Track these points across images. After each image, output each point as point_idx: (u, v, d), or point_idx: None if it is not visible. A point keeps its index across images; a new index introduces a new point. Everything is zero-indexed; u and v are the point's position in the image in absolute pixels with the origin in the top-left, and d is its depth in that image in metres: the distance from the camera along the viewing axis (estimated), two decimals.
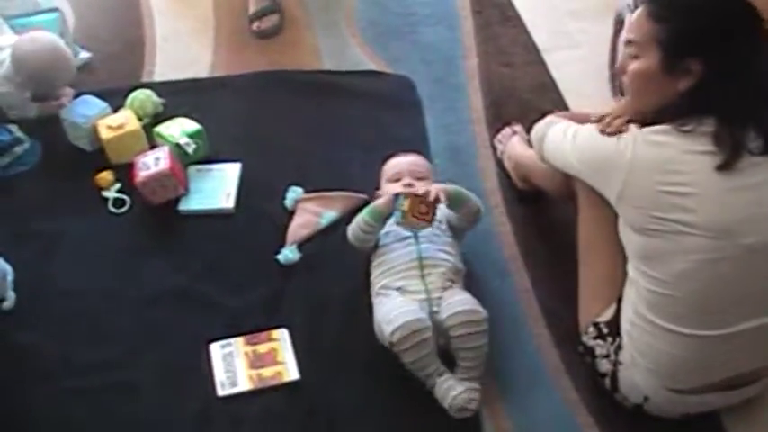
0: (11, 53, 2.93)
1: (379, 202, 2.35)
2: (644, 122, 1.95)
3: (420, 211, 2.26)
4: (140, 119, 2.91)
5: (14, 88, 2.94)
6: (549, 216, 2.63)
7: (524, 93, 3.09)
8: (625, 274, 2.05)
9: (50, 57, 2.95)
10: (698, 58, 1.86)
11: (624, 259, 2.04)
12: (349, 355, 2.28)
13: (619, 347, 2.06)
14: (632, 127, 1.97)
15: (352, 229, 2.38)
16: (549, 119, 2.31)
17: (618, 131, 1.96)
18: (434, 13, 3.50)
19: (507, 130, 2.84)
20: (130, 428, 2.17)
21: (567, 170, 2.17)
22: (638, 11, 1.96)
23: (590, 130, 2.06)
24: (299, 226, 2.59)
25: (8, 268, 2.47)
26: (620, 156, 1.90)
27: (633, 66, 1.97)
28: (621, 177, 1.90)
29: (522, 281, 2.47)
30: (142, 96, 2.99)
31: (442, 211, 2.37)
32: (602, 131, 2.00)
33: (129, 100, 2.99)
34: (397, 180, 2.44)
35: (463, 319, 2.11)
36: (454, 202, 2.34)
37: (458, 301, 2.16)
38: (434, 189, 2.29)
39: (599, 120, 2.05)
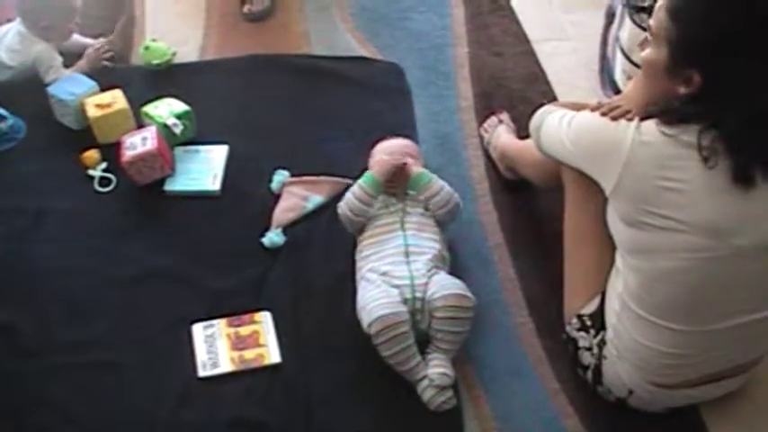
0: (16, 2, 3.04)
1: (375, 171, 2.39)
2: (643, 115, 1.89)
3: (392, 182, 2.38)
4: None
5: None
6: (535, 206, 2.63)
7: (513, 83, 3.08)
8: (611, 266, 2.05)
9: None
10: (698, 71, 1.78)
11: (610, 251, 2.03)
12: (332, 340, 2.28)
13: (603, 342, 2.06)
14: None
15: (347, 199, 2.39)
16: (546, 107, 2.26)
17: (620, 117, 1.90)
18: (426, 0, 3.48)
19: (494, 119, 2.84)
20: (110, 407, 2.17)
21: (562, 158, 2.11)
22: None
23: (588, 115, 2.01)
24: (285, 209, 2.58)
25: None
26: (619, 144, 1.85)
27: (646, 52, 1.93)
28: (618, 168, 1.84)
29: (507, 269, 2.47)
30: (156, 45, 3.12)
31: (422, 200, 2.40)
32: (604, 114, 1.94)
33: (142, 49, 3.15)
34: None
35: (452, 303, 2.12)
36: (416, 181, 2.39)
37: (449, 284, 2.18)
38: (410, 162, 2.40)
39: (596, 107, 2.00)
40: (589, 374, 2.12)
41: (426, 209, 2.38)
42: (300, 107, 2.98)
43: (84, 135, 2.84)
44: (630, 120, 1.88)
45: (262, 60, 3.18)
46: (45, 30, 3.01)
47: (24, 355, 2.28)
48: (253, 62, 3.17)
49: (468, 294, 2.17)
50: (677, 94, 1.84)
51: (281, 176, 2.67)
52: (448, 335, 2.13)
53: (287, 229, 2.54)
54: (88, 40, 3.17)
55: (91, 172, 2.73)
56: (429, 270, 2.22)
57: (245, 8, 3.42)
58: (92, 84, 2.90)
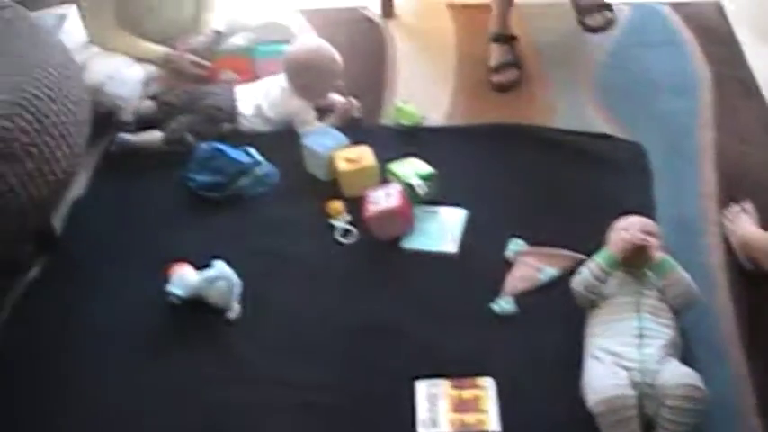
0: (283, 60, 3.26)
1: (614, 248, 2.38)
2: None
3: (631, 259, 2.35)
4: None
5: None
6: None
7: (759, 171, 2.99)
8: None
9: (316, 52, 3.26)
10: None
11: None
12: (553, 414, 2.25)
13: None
14: None
15: (582, 274, 2.39)
16: None
17: None
18: (674, 82, 3.44)
19: (736, 207, 2.77)
20: None
21: None
22: None
23: None
24: (518, 278, 2.61)
25: (237, 281, 2.62)
26: None
27: None
28: None
29: (739, 366, 2.38)
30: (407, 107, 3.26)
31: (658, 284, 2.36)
32: None
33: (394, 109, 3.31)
34: None
35: (684, 393, 2.07)
36: (658, 267, 2.34)
37: (682, 374, 2.12)
38: (652, 243, 2.35)
39: None
40: None
41: (662, 293, 2.35)
42: (540, 178, 3.01)
43: (330, 186, 2.98)
44: None
45: (505, 129, 3.24)
46: (305, 87, 3.20)
47: (252, 384, 2.41)
48: (496, 130, 3.24)
49: (702, 386, 2.10)
50: None
51: (516, 245, 2.70)
52: (675, 425, 2.07)
53: (518, 297, 2.56)
54: (338, 97, 3.32)
55: (334, 222, 2.85)
56: (661, 356, 2.17)
57: (494, 78, 3.49)
58: (343, 138, 3.05)
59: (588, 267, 2.39)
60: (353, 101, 3.33)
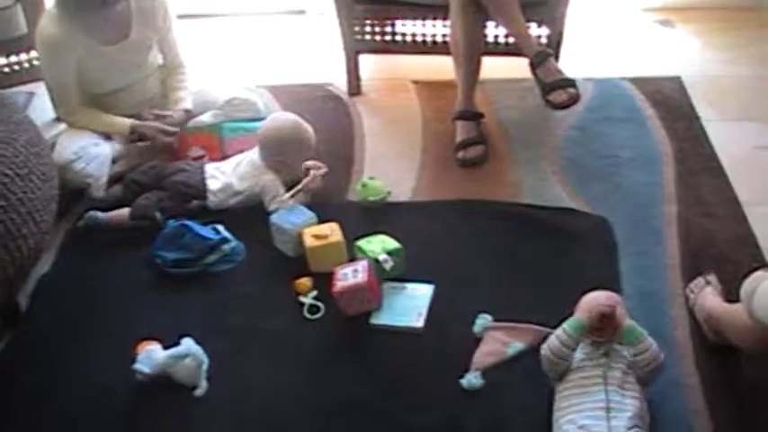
0: (259, 134, 3.29)
1: (584, 315, 2.38)
2: None
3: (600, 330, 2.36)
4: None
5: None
6: (740, 371, 2.53)
7: (722, 244, 3.03)
8: None
9: (294, 127, 3.30)
10: None
11: None
12: None
13: None
14: None
15: (551, 342, 2.39)
16: (759, 273, 2.23)
17: None
18: (637, 157, 3.51)
19: (700, 280, 2.79)
20: None
21: None
22: None
23: None
24: (486, 353, 2.61)
25: (205, 358, 2.60)
26: None
27: None
28: None
29: None
30: (372, 182, 3.27)
31: (627, 356, 2.36)
32: None
33: (359, 186, 3.30)
34: None
35: None
36: (627, 333, 2.35)
37: None
38: (619, 313, 2.36)
39: None
40: None
41: (629, 366, 2.35)
42: (506, 253, 3.03)
43: (298, 263, 2.99)
44: None
45: (471, 205, 3.27)
46: (278, 163, 3.22)
47: None
48: (462, 206, 3.27)
49: None
50: None
51: (483, 320, 2.70)
52: None
53: (486, 372, 2.56)
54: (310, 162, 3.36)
55: (302, 299, 2.85)
56: (629, 429, 2.17)
57: (459, 154, 3.54)
58: (311, 215, 3.06)
59: (556, 334, 2.40)
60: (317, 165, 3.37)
